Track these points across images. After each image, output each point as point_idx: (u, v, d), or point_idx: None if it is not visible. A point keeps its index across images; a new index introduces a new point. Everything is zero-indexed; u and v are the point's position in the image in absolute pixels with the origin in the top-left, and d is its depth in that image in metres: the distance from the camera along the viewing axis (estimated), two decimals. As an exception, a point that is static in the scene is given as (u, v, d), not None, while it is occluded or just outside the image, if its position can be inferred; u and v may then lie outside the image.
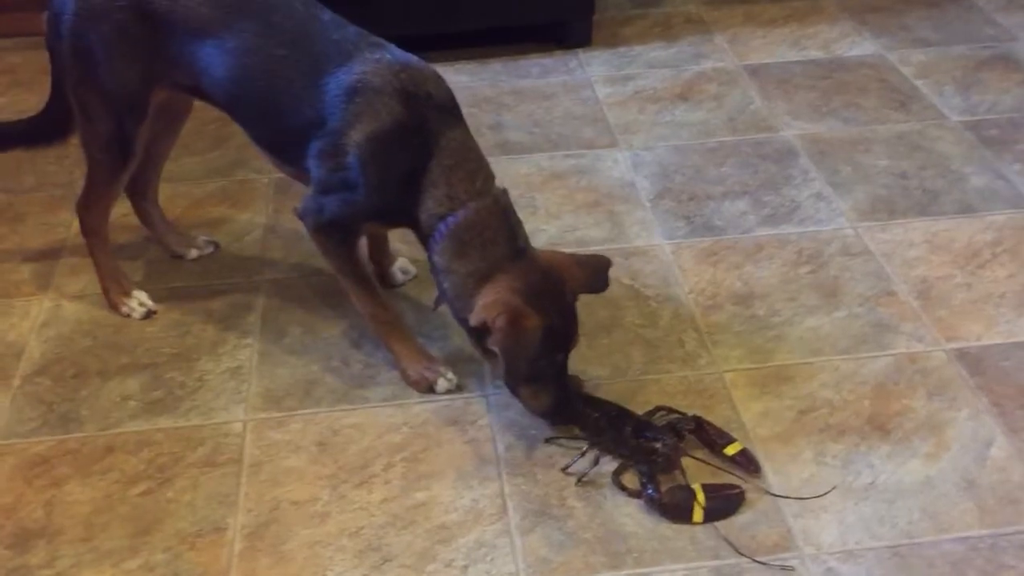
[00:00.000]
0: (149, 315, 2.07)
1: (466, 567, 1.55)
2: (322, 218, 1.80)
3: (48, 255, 2.26)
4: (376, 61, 1.74)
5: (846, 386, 1.85)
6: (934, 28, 3.14)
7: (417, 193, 1.72)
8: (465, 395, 1.86)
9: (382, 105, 1.71)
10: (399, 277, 2.14)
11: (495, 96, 2.86)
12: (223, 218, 2.38)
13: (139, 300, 2.07)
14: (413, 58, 1.78)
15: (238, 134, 2.09)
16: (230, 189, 2.49)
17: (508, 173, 2.40)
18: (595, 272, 1.78)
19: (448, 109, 1.76)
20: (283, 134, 1.83)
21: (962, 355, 1.92)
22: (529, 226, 1.81)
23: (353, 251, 1.85)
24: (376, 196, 1.75)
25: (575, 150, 2.60)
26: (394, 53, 1.77)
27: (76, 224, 2.12)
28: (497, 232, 1.71)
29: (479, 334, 1.69)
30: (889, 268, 2.15)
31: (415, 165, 1.72)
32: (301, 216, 1.84)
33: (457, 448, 1.75)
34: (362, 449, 1.76)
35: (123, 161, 1.96)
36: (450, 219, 1.71)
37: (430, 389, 1.86)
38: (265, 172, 2.51)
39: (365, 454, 1.75)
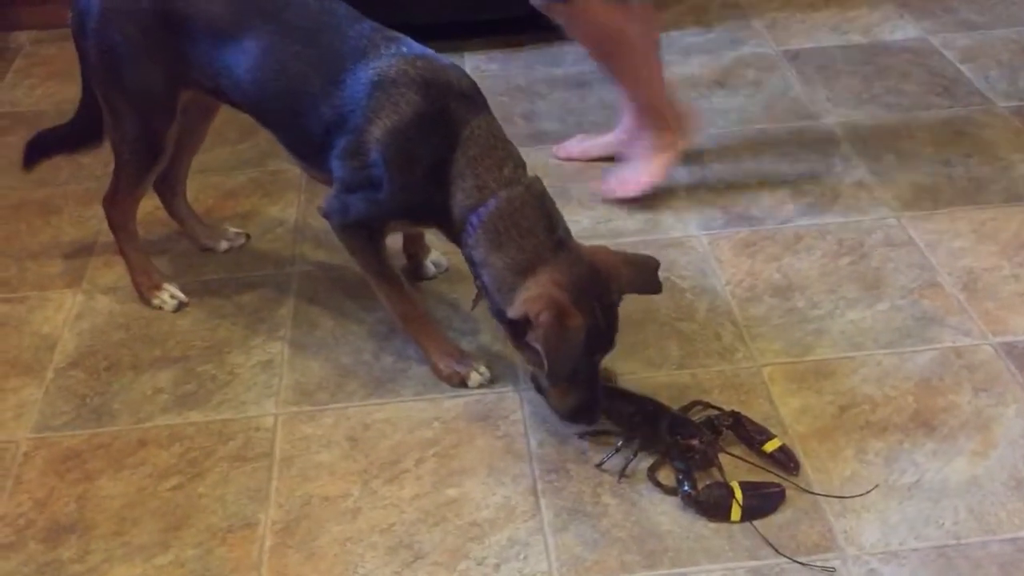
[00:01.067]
0: (180, 307, 2.06)
1: (498, 565, 1.53)
2: (347, 218, 1.78)
3: (82, 248, 2.27)
4: (392, 55, 1.71)
5: (889, 381, 1.81)
6: (979, 11, 3.06)
7: (445, 186, 1.69)
8: (497, 390, 1.83)
9: (400, 97, 1.68)
10: (431, 270, 2.11)
11: (528, 84, 2.82)
12: (254, 210, 2.37)
13: (170, 292, 2.07)
14: (430, 51, 1.75)
15: (269, 125, 2.08)
16: (261, 180, 2.48)
17: (541, 163, 2.37)
18: (643, 273, 1.72)
19: (470, 97, 1.72)
20: (306, 136, 1.80)
21: (1010, 349, 1.86)
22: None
23: (380, 249, 1.82)
24: (402, 193, 1.72)
25: (609, 139, 2.56)
26: (410, 46, 1.74)
27: (108, 217, 2.12)
28: (534, 221, 1.67)
29: (516, 328, 1.64)
30: (933, 259, 2.09)
31: (440, 157, 1.68)
32: (326, 215, 1.81)
33: (489, 444, 1.73)
34: (393, 444, 1.74)
35: (151, 160, 1.95)
36: (481, 210, 1.67)
37: (462, 383, 1.84)
38: (297, 163, 2.50)
39: (396, 449, 1.73)
